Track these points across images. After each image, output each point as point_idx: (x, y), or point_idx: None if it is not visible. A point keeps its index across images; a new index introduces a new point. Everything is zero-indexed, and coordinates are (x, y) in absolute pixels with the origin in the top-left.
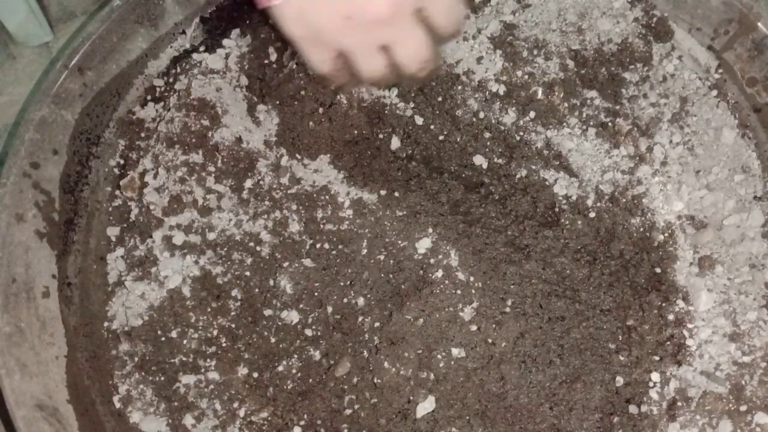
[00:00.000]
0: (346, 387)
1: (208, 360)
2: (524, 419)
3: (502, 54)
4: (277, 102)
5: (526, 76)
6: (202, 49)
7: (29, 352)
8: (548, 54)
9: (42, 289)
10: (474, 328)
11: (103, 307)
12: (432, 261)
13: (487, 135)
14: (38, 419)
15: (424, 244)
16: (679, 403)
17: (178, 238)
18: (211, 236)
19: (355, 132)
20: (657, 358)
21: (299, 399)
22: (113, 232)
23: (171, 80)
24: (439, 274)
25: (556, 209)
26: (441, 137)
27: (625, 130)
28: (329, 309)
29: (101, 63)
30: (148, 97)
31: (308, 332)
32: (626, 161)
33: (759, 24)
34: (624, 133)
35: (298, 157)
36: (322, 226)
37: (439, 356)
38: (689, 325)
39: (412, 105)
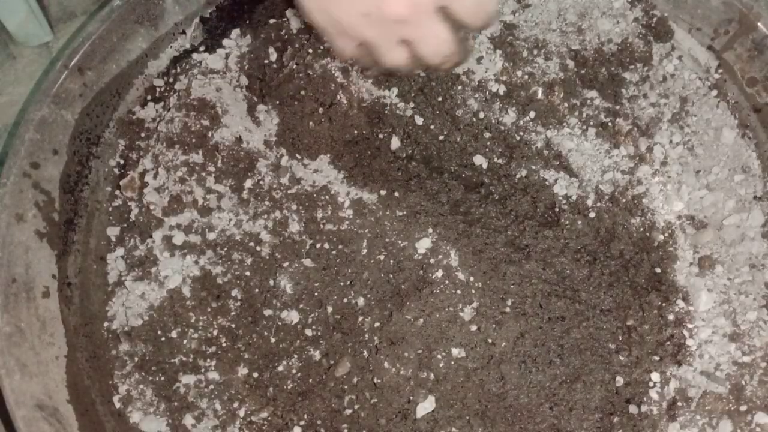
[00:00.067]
0: (346, 387)
1: (208, 360)
2: (524, 419)
3: (502, 54)
4: (277, 102)
5: (526, 76)
6: (202, 49)
7: (29, 352)
8: (548, 54)
9: (42, 289)
10: (474, 328)
11: (103, 307)
12: (432, 261)
13: (487, 135)
14: (38, 419)
15: (424, 244)
16: (679, 403)
17: (178, 238)
18: (211, 236)
19: (355, 132)
20: (657, 358)
21: (299, 399)
22: (113, 232)
23: (171, 80)
24: (439, 274)
25: (556, 209)
26: (441, 137)
27: (625, 130)
28: (329, 309)
29: (101, 63)
30: (148, 97)
31: (308, 332)
32: (626, 161)
33: (759, 24)
34: (624, 133)
35: (298, 157)
36: (322, 226)
37: (439, 356)
38: (689, 325)
39: (412, 105)
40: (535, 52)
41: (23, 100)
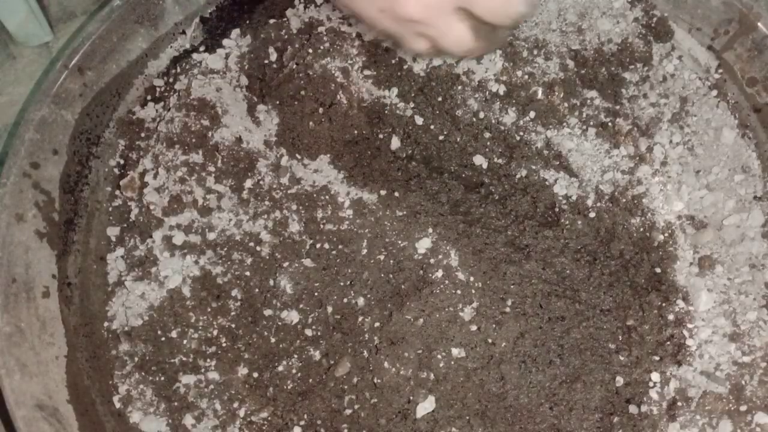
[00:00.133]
0: (346, 387)
1: (208, 360)
2: (524, 419)
3: (502, 54)
4: (277, 102)
5: (526, 76)
6: (202, 49)
7: (29, 352)
8: (548, 54)
9: (42, 289)
10: (474, 328)
11: (103, 307)
12: (432, 261)
13: (487, 135)
14: (38, 419)
15: (424, 244)
16: (679, 403)
17: (178, 238)
18: (211, 236)
19: (355, 132)
20: (657, 358)
21: (299, 399)
22: (113, 232)
23: (171, 80)
24: (439, 274)
25: (556, 209)
26: (441, 137)
27: (625, 130)
28: (329, 309)
29: (101, 63)
30: (148, 97)
31: (308, 332)
32: (626, 161)
33: (759, 24)
34: (624, 133)
35: (298, 157)
36: (322, 226)
37: (439, 356)
38: (689, 325)
39: (412, 105)
40: (535, 52)
41: (23, 100)
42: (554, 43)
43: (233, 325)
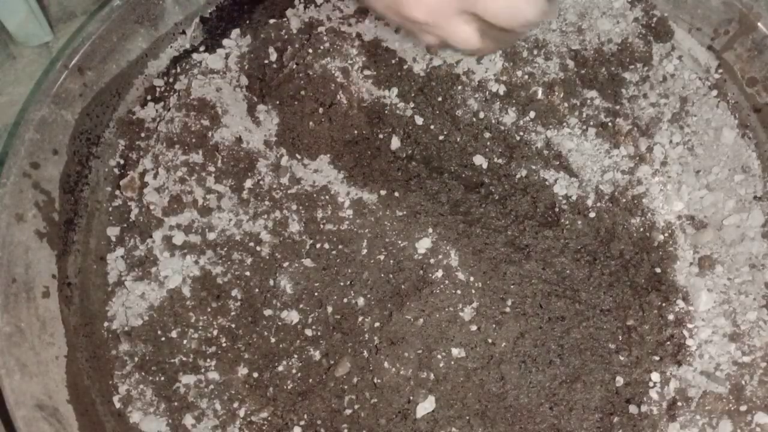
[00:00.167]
0: (346, 387)
1: (208, 360)
2: (524, 419)
3: (502, 54)
4: (277, 102)
5: (526, 76)
6: (202, 49)
7: (29, 352)
8: (548, 54)
9: (42, 289)
10: (474, 328)
11: (103, 307)
12: (432, 261)
13: (487, 135)
14: (38, 419)
15: (424, 244)
16: (679, 403)
17: (178, 238)
18: (211, 236)
19: (355, 132)
20: (657, 358)
21: (299, 399)
22: (113, 232)
23: (171, 80)
24: (439, 274)
25: (556, 209)
26: (441, 137)
27: (625, 130)
28: (329, 309)
29: (101, 63)
30: (148, 97)
31: (308, 332)
32: (626, 161)
33: (759, 24)
34: (624, 133)
35: (298, 157)
36: (322, 226)
37: (439, 356)
38: (689, 325)
39: (412, 105)
40: (535, 52)
41: (23, 100)
42: (554, 43)
43: (233, 325)
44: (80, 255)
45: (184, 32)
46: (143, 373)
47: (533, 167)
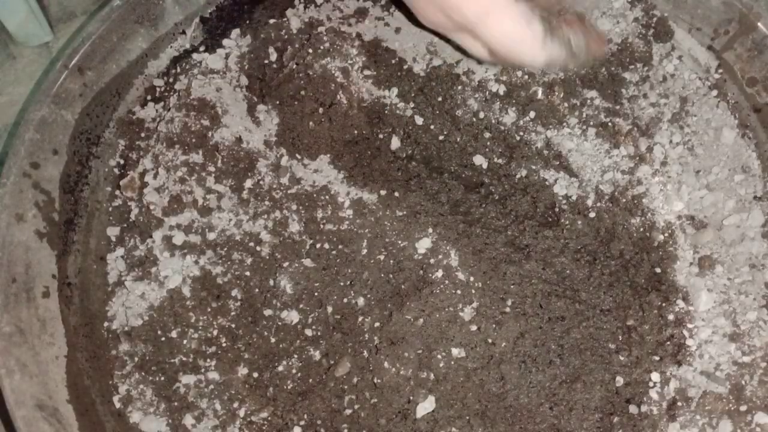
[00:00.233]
0: (346, 387)
1: (208, 360)
2: (524, 419)
3: None
4: (277, 102)
5: (526, 76)
6: (202, 49)
7: (29, 352)
8: None
9: (42, 289)
10: (474, 328)
11: (103, 307)
12: (432, 261)
13: (487, 135)
14: (38, 419)
15: (424, 244)
16: (679, 403)
17: (178, 238)
18: (211, 236)
19: (355, 132)
20: (657, 358)
21: (299, 399)
22: (113, 232)
23: (171, 80)
24: (439, 274)
25: (556, 209)
26: (441, 137)
27: (625, 130)
28: (329, 309)
29: (101, 63)
30: (148, 97)
31: (308, 332)
32: (626, 161)
33: (759, 24)
34: (624, 133)
35: (298, 157)
36: (322, 226)
37: (439, 356)
38: (689, 325)
39: (412, 105)
40: None
41: (23, 100)
42: None
43: (233, 325)
44: (80, 255)
45: (184, 32)
46: (143, 373)
47: (533, 167)
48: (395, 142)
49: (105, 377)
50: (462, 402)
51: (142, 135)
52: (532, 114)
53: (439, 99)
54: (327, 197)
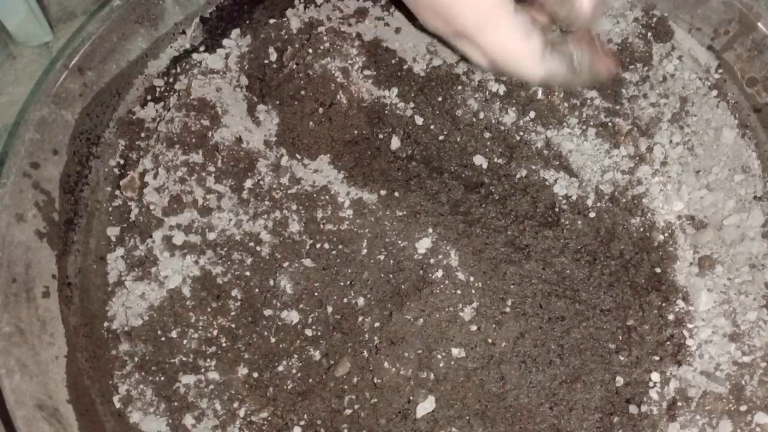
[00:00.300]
0: (346, 387)
1: (208, 360)
2: (524, 419)
3: None
4: (277, 102)
5: None
6: (202, 49)
7: (29, 352)
8: None
9: (42, 289)
10: (474, 328)
11: (103, 307)
12: (432, 261)
13: (487, 135)
14: (38, 419)
15: (424, 244)
16: (679, 403)
17: (178, 238)
18: (211, 236)
19: (355, 132)
20: (657, 358)
21: (299, 399)
22: (113, 232)
23: (171, 80)
24: (439, 274)
25: (556, 209)
26: (441, 137)
27: (625, 130)
28: (329, 309)
29: (101, 63)
30: (148, 97)
31: (308, 332)
32: (626, 161)
33: (759, 24)
34: (624, 133)
35: (298, 157)
36: (322, 226)
37: (439, 356)
38: (689, 325)
39: (412, 105)
40: None
41: (23, 100)
42: None
43: (233, 325)
44: (80, 255)
45: (184, 32)
46: (143, 373)
47: (533, 167)
48: (395, 142)
49: (105, 377)
50: (462, 402)
51: (142, 135)
52: (532, 114)
53: (439, 99)
54: (327, 197)
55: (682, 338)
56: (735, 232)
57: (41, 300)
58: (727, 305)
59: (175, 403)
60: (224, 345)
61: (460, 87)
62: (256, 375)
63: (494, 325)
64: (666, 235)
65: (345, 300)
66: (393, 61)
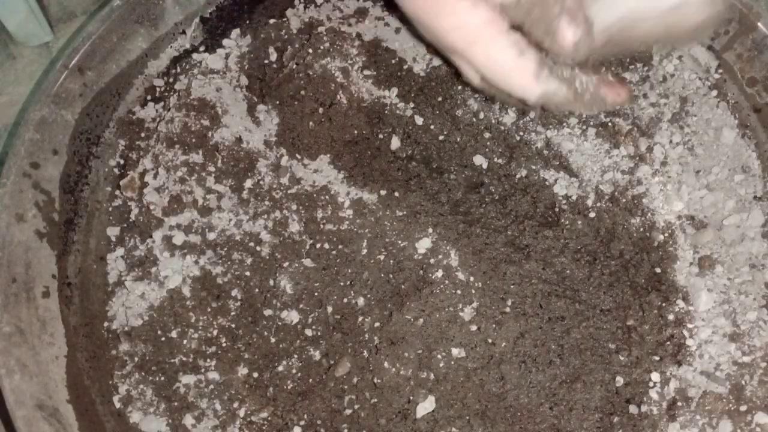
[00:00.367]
0: (346, 387)
1: (208, 360)
2: (524, 419)
3: None
4: (277, 102)
5: None
6: (202, 49)
7: (29, 352)
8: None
9: (42, 289)
10: (474, 328)
11: (103, 307)
12: (432, 261)
13: (487, 135)
14: (38, 419)
15: (424, 244)
16: (679, 403)
17: (178, 238)
18: (211, 236)
19: (355, 132)
20: (657, 358)
21: (299, 399)
22: (113, 232)
23: (171, 80)
24: (439, 274)
25: (556, 209)
26: (441, 137)
27: (625, 130)
28: (329, 309)
29: (101, 63)
30: (148, 97)
31: (308, 332)
32: (626, 161)
33: (759, 24)
34: (624, 133)
35: (298, 157)
36: (322, 226)
37: (439, 356)
38: (689, 325)
39: (412, 105)
40: None
41: (23, 100)
42: None
43: (233, 325)
44: (80, 255)
45: (184, 32)
46: (143, 373)
47: (533, 167)
48: (395, 142)
49: (105, 377)
50: (462, 402)
51: (142, 135)
52: (532, 114)
53: (439, 99)
54: (327, 197)
55: (682, 338)
56: (735, 232)
57: (41, 300)
58: (727, 305)
59: (175, 403)
60: (224, 345)
61: (460, 87)
62: (256, 375)
63: (494, 325)
64: (666, 235)
65: (345, 300)
66: (393, 61)
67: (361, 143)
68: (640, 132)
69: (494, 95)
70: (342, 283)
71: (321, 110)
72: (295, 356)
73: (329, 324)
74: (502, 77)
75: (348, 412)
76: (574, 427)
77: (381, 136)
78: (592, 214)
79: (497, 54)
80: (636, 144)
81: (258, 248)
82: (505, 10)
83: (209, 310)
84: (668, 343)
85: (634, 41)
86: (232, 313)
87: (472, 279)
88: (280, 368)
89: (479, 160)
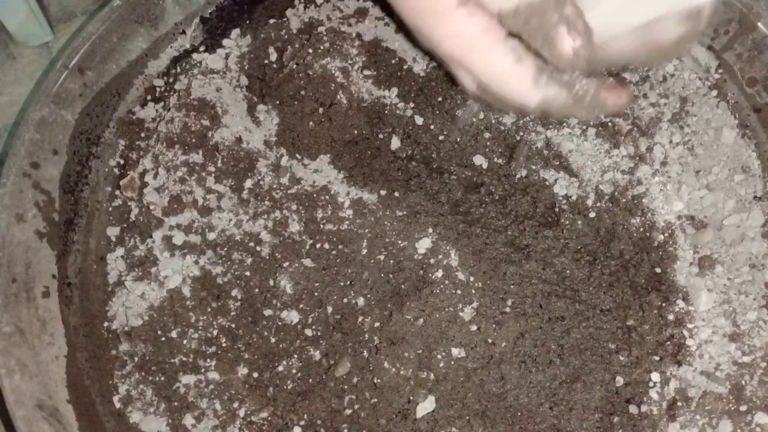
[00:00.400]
0: (346, 387)
1: (208, 360)
2: (524, 419)
3: None
4: (277, 102)
5: None
6: (202, 49)
7: (29, 352)
8: None
9: (42, 289)
10: (474, 328)
11: (103, 307)
12: (432, 261)
13: (487, 135)
14: (38, 419)
15: (424, 244)
16: (679, 403)
17: (178, 238)
18: (211, 236)
19: (355, 132)
20: (657, 358)
21: (299, 399)
22: (113, 232)
23: (171, 80)
24: (439, 274)
25: (556, 209)
26: (441, 137)
27: (625, 130)
28: (329, 309)
29: (101, 63)
30: (148, 97)
31: (308, 332)
32: (626, 161)
33: (759, 24)
34: (624, 133)
35: (298, 157)
36: (322, 226)
37: (439, 356)
38: (689, 325)
39: (412, 105)
40: None
41: (23, 100)
42: None
43: (233, 325)
44: (80, 255)
45: (184, 32)
46: (143, 373)
47: (533, 167)
48: (395, 142)
49: (105, 377)
50: (462, 402)
51: (142, 135)
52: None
53: (439, 99)
54: (327, 197)
55: (682, 338)
56: (735, 232)
57: (41, 300)
58: (727, 305)
59: (175, 403)
60: (224, 345)
61: (460, 87)
62: (256, 375)
63: (494, 325)
64: (666, 235)
65: (345, 300)
66: (393, 61)
67: (361, 143)
68: (640, 132)
69: (490, 104)
70: (342, 283)
71: (321, 110)
72: (295, 356)
73: (329, 324)
74: (500, 84)
75: (348, 412)
76: (574, 427)
77: (381, 136)
78: (592, 214)
79: (495, 61)
80: (636, 144)
81: (258, 248)
82: (502, 19)
83: (209, 310)
84: (668, 343)
85: (611, 58)
86: (232, 313)
87: (472, 279)
88: (280, 368)
89: (479, 160)
